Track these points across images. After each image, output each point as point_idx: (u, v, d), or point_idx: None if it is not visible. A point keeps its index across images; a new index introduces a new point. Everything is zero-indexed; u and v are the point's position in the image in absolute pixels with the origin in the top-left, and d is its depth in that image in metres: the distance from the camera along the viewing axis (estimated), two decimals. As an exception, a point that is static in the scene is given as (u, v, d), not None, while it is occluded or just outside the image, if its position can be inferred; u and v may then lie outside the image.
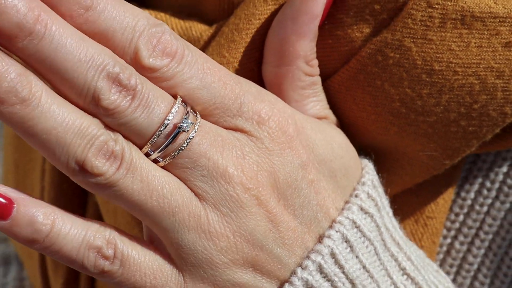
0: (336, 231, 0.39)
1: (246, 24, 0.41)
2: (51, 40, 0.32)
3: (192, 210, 0.36)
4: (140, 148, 0.35)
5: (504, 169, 0.45)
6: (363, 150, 0.43)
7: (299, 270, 0.38)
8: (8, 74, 0.31)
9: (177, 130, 0.35)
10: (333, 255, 0.38)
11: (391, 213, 0.43)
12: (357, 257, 0.40)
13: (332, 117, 0.42)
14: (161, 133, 0.34)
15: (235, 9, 0.43)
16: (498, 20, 0.39)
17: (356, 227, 0.40)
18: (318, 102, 0.41)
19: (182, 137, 0.35)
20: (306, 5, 0.38)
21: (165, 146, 0.35)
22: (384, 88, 0.41)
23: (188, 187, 0.36)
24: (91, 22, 0.34)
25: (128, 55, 0.34)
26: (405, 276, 0.42)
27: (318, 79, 0.41)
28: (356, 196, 0.40)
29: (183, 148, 0.35)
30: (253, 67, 0.41)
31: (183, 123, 0.35)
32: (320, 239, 0.39)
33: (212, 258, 0.36)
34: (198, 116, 0.36)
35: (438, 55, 0.40)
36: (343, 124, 0.43)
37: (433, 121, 0.41)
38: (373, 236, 0.40)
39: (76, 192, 0.50)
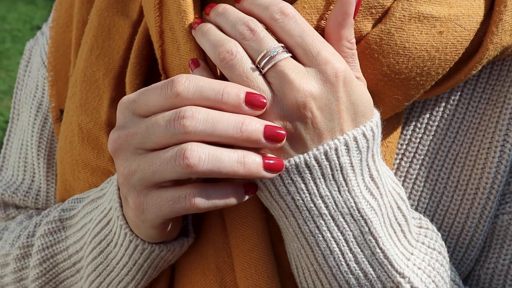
0: (343, 138, 0.50)
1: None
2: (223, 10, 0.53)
3: (266, 91, 0.49)
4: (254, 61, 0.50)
5: (427, 115, 0.58)
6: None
7: (321, 146, 0.50)
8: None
9: (270, 55, 0.49)
10: (336, 150, 0.50)
11: (379, 143, 0.53)
12: (349, 157, 0.50)
13: (363, 78, 0.53)
14: (264, 56, 0.50)
15: None
16: (434, 19, 0.54)
17: (355, 141, 0.50)
18: (355, 67, 0.52)
19: (272, 61, 0.49)
20: (344, 7, 0.51)
21: (265, 63, 0.49)
22: (379, 59, 0.54)
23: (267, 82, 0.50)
24: (242, 4, 0.53)
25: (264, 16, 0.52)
26: (370, 178, 0.52)
27: (355, 52, 0.52)
28: (364, 126, 0.51)
29: (272, 65, 0.49)
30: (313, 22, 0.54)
31: (276, 54, 0.49)
32: (332, 138, 0.50)
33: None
34: (289, 54, 0.50)
35: (407, 38, 0.53)
36: None
37: (402, 78, 0.54)
38: (363, 151, 0.51)
39: (145, 63, 0.63)
